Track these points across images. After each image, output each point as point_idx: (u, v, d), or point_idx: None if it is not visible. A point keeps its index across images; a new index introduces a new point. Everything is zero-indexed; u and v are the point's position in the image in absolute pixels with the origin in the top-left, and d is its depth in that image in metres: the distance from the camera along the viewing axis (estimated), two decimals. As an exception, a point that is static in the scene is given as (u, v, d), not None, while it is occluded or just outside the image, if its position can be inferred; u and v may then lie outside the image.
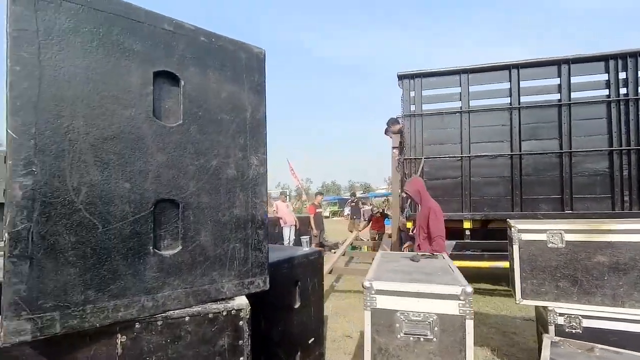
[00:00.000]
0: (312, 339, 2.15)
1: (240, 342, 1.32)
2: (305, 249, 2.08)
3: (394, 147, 5.13)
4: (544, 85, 4.41)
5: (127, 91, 1.17)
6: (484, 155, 4.54)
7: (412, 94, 4.79)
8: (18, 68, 0.98)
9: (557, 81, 4.31)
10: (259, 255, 1.49)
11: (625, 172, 4.03)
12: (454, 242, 4.64)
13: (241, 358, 1.32)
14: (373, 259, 1.93)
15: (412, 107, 4.80)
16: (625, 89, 4.07)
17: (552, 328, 2.29)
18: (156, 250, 1.22)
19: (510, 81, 4.44)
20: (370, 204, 18.31)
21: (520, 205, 4.39)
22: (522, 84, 4.40)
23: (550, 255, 2.33)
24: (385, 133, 6.68)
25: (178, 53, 1.29)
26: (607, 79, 4.15)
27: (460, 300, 1.36)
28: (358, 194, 18.22)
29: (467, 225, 4.57)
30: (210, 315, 1.29)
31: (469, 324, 1.35)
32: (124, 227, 1.14)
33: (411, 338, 1.41)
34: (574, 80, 4.24)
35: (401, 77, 4.84)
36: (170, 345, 1.23)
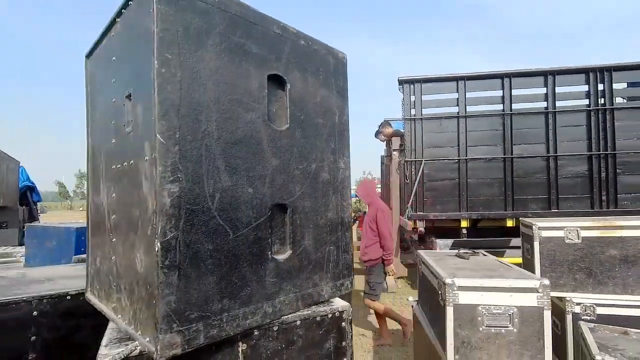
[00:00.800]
0: None
1: (344, 343, 1.35)
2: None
3: (394, 150, 5.30)
4: (532, 93, 4.80)
5: (249, 94, 1.15)
6: (479, 158, 4.83)
7: (413, 98, 4.98)
8: (163, 70, 0.94)
9: (544, 90, 4.71)
10: (346, 257, 1.52)
11: (603, 174, 4.50)
12: (451, 241, 4.90)
13: (345, 359, 1.35)
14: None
15: (413, 111, 5.00)
16: (602, 99, 4.55)
17: (569, 317, 2.53)
18: (273, 256, 1.21)
19: (502, 89, 4.78)
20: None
21: (512, 205, 4.73)
22: (514, 92, 4.75)
23: (568, 250, 2.56)
24: (375, 136, 6.86)
25: (285, 56, 1.29)
26: (587, 89, 4.61)
27: (538, 292, 1.49)
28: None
29: (464, 224, 4.84)
30: (318, 319, 1.30)
31: (547, 315, 1.48)
32: (249, 233, 1.13)
33: (492, 330, 1.51)
34: (558, 90, 4.66)
35: (402, 82, 5.01)
36: (285, 351, 1.22)
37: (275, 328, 1.20)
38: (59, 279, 1.81)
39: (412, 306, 2.40)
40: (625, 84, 4.86)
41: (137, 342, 1.00)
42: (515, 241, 4.65)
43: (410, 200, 4.83)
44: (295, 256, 1.28)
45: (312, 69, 1.40)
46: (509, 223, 4.74)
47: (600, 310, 2.52)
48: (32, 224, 3.70)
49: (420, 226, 4.88)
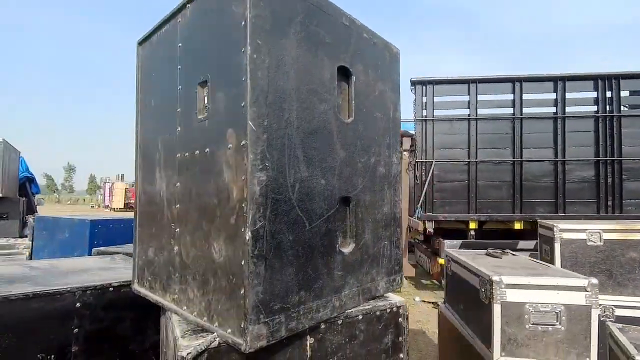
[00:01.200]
0: None
1: (401, 338, 1.34)
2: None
3: (404, 150, 5.33)
4: (542, 98, 4.88)
5: (322, 85, 1.14)
6: (488, 161, 4.89)
7: (424, 99, 5.01)
8: (255, 56, 0.92)
9: (553, 96, 4.80)
10: (398, 252, 1.51)
11: (609, 180, 4.60)
12: (459, 242, 4.94)
13: (401, 354, 1.34)
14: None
15: (424, 112, 5.03)
16: (610, 106, 4.65)
17: (589, 317, 2.58)
18: (340, 249, 1.20)
19: (513, 93, 4.84)
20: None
21: (520, 208, 4.80)
22: (524, 96, 4.83)
23: (590, 252, 2.61)
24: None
25: (351, 49, 1.28)
26: (595, 96, 4.71)
27: (587, 291, 1.51)
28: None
29: (472, 225, 4.89)
30: (378, 313, 1.29)
31: (594, 313, 1.50)
32: (321, 225, 1.11)
33: (539, 328, 1.53)
34: (568, 95, 4.75)
35: (414, 83, 5.04)
36: (348, 345, 1.21)
37: (340, 322, 1.19)
38: (95, 271, 1.77)
39: (439, 305, 2.41)
40: (627, 92, 4.97)
41: (215, 334, 0.97)
42: (523, 243, 4.72)
43: (420, 201, 4.86)
44: (358, 250, 1.27)
45: (372, 63, 1.39)
46: (517, 225, 4.81)
47: (619, 312, 2.58)
48: (43, 215, 3.60)
49: (430, 227, 4.91)
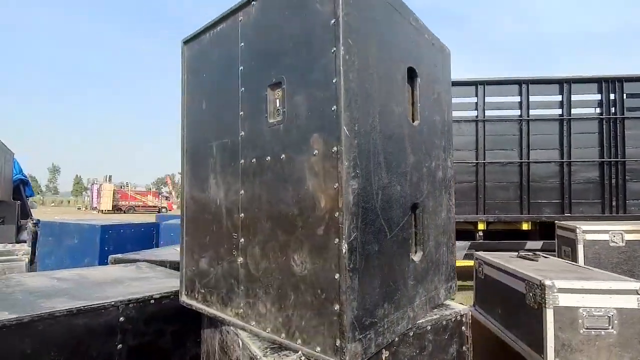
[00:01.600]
0: None
1: (464, 347, 1.31)
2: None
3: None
4: (548, 100, 4.94)
5: (397, 87, 1.10)
6: (496, 162, 4.92)
7: (432, 101, 5.01)
8: (347, 57, 0.87)
9: (559, 98, 4.86)
10: (453, 259, 1.48)
11: (614, 181, 4.69)
12: (467, 243, 4.96)
13: (465, 364, 1.31)
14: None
15: (432, 114, 5.02)
16: (613, 108, 4.75)
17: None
18: (412, 257, 1.15)
19: (520, 95, 4.89)
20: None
21: (527, 208, 4.85)
22: (531, 98, 4.88)
23: (612, 253, 2.64)
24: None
25: (416, 50, 1.24)
26: (599, 99, 4.79)
27: (638, 294, 1.50)
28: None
29: (481, 226, 4.91)
30: (444, 323, 1.25)
31: (648, 317, 1.50)
32: (398, 233, 1.07)
33: (593, 332, 1.52)
34: (573, 98, 4.82)
35: (422, 85, 5.03)
36: (418, 357, 1.17)
37: (411, 334, 1.15)
38: (128, 282, 1.68)
39: (471, 309, 2.39)
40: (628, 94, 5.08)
41: (299, 353, 0.92)
42: (531, 244, 4.77)
43: (429, 202, 4.85)
44: (424, 257, 1.23)
45: (431, 64, 1.36)
46: (525, 226, 4.85)
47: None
48: (53, 220, 3.44)
49: (439, 228, 4.90)
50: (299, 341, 0.93)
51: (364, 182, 0.91)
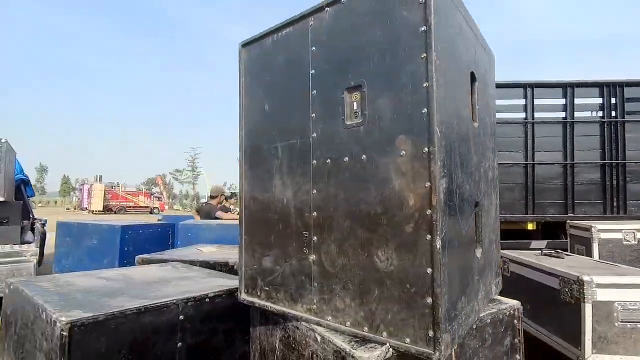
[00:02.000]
0: None
1: (516, 339, 1.37)
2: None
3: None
4: (552, 104, 5.09)
5: (465, 91, 1.15)
6: (502, 164, 5.04)
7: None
8: (438, 62, 0.92)
9: (562, 101, 5.01)
10: (498, 256, 1.54)
11: (615, 182, 4.85)
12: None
13: (517, 356, 1.37)
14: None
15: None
16: (614, 111, 4.92)
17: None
18: (476, 254, 1.21)
19: (525, 98, 5.03)
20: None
21: (532, 209, 4.98)
22: (536, 101, 5.02)
23: (625, 251, 2.75)
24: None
25: (475, 55, 1.30)
26: (601, 102, 4.96)
27: (672, 290, 1.59)
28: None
29: (487, 226, 5.02)
30: (501, 316, 1.31)
31: (680, 311, 1.58)
32: (468, 230, 1.12)
33: (628, 325, 1.59)
34: (576, 101, 4.98)
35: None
36: (480, 349, 1.22)
37: (474, 326, 1.20)
38: (175, 281, 1.69)
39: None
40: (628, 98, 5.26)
41: (387, 345, 0.96)
42: (536, 243, 4.90)
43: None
44: (483, 254, 1.29)
45: (484, 68, 1.42)
46: (530, 226, 4.98)
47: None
48: (64, 221, 3.40)
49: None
50: (385, 334, 0.98)
51: (448, 181, 0.96)
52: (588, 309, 1.61)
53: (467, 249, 1.10)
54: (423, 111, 0.92)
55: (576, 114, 4.99)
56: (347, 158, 1.08)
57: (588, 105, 5.06)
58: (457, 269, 1.00)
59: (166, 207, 41.43)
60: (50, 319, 1.11)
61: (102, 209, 33.25)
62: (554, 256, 2.19)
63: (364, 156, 1.04)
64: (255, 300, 1.35)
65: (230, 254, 2.61)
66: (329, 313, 1.11)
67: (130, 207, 36.36)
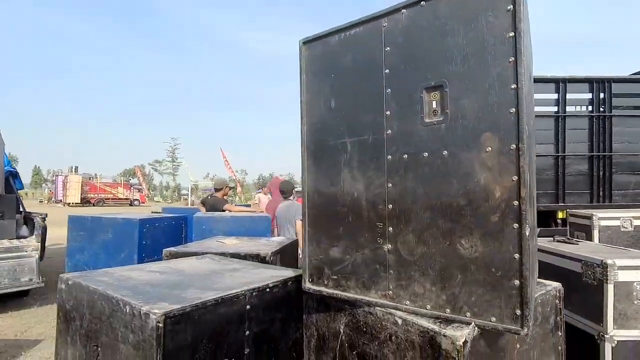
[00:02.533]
0: None
1: (558, 318, 1.50)
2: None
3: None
4: (545, 98, 5.33)
5: (532, 89, 1.24)
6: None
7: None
8: (522, 66, 1.00)
9: (555, 96, 5.26)
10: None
11: (601, 173, 5.18)
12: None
13: (559, 332, 1.51)
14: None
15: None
16: (603, 106, 5.21)
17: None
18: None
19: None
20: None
21: (526, 198, 5.24)
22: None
23: (623, 237, 2.99)
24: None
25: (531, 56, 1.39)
26: (590, 97, 5.24)
27: (683, 270, 1.78)
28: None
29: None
30: (547, 297, 1.44)
31: (689, 288, 1.77)
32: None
33: (645, 303, 1.78)
34: (568, 96, 5.24)
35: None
36: (533, 328, 1.34)
37: (530, 307, 1.32)
38: (226, 273, 1.73)
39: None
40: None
41: (472, 324, 1.05)
42: (529, 231, 5.17)
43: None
44: (534, 242, 1.40)
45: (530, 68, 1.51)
46: (523, 215, 5.25)
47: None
48: (76, 215, 3.30)
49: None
50: (468, 314, 1.07)
51: (529, 175, 1.05)
52: (610, 290, 1.78)
53: (534, 235, 1.21)
54: (511, 110, 1.00)
55: (568, 109, 5.25)
56: (426, 153, 1.15)
57: (579, 100, 5.33)
58: (532, 254, 1.10)
59: (147, 198, 40.34)
60: (140, 312, 1.14)
61: (79, 201, 32.04)
62: (567, 242, 2.37)
63: (445, 152, 1.11)
64: (322, 288, 1.41)
65: (253, 245, 2.65)
66: (406, 298, 1.19)
67: (108, 198, 35.21)
